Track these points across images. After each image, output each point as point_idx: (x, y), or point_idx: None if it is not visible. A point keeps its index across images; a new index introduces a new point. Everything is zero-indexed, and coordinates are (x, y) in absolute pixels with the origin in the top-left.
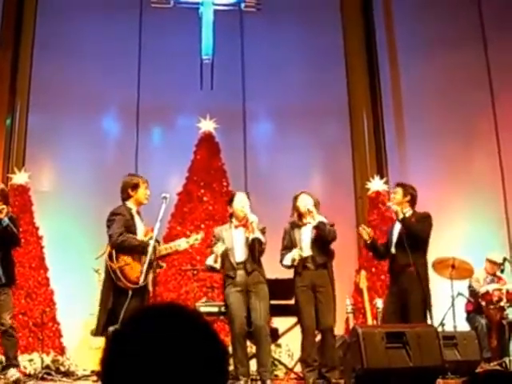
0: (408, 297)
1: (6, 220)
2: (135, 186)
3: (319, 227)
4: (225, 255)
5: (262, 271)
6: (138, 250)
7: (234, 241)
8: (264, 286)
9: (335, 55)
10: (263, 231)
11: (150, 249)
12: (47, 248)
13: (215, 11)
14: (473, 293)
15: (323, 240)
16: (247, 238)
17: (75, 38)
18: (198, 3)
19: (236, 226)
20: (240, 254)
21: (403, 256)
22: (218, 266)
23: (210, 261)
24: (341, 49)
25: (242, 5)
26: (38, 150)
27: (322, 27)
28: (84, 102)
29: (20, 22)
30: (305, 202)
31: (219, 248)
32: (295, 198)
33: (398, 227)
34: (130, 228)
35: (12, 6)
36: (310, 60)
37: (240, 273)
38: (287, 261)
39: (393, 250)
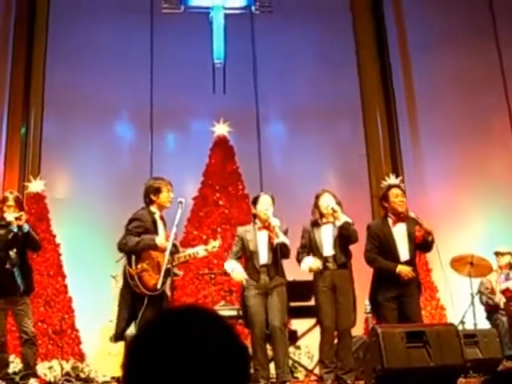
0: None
1: (27, 226)
2: (157, 191)
3: (345, 228)
4: (248, 258)
5: (283, 274)
6: (142, 248)
7: (258, 243)
8: (283, 287)
9: (347, 56)
10: (286, 232)
11: (166, 256)
12: (64, 255)
13: (226, 15)
14: (484, 298)
15: (347, 240)
16: (271, 243)
17: (87, 46)
18: (208, 8)
19: (259, 228)
20: (264, 257)
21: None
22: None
23: (228, 268)
24: (352, 49)
25: (253, 8)
26: (53, 158)
27: (332, 28)
28: (97, 108)
29: (32, 31)
30: (327, 202)
31: (236, 275)
32: (317, 197)
33: (403, 233)
34: (150, 233)
35: (24, 16)
36: (321, 61)
37: (263, 276)
38: (305, 266)
39: (407, 256)
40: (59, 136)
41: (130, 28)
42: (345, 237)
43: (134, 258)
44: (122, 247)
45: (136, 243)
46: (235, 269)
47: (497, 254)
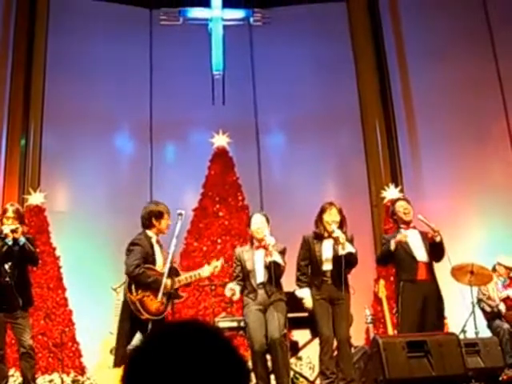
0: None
1: (23, 239)
2: (160, 216)
3: (346, 258)
4: (246, 277)
5: (281, 291)
6: (151, 287)
7: (254, 262)
8: (282, 302)
9: (345, 65)
10: (283, 252)
11: (163, 282)
12: (64, 268)
13: (224, 26)
14: (484, 307)
15: (347, 267)
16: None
17: (86, 59)
18: (207, 19)
19: (256, 248)
20: (260, 276)
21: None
22: (237, 296)
23: (228, 293)
24: (350, 59)
25: (251, 19)
26: (53, 170)
27: (330, 38)
28: (97, 121)
29: (32, 43)
30: (332, 219)
31: (230, 291)
32: (323, 210)
33: (417, 237)
34: (149, 259)
35: (23, 27)
36: (320, 71)
37: (260, 292)
38: (300, 293)
39: (425, 258)
40: (59, 148)
41: (130, 40)
42: (347, 263)
43: (134, 284)
44: (132, 275)
45: (150, 282)
46: (229, 287)
47: (499, 263)
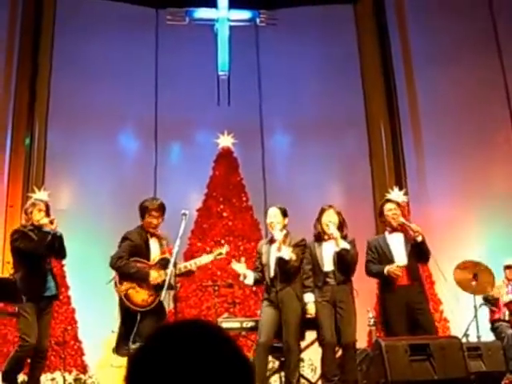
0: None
1: (59, 231)
2: (143, 212)
3: (341, 254)
4: (263, 271)
5: (295, 287)
6: (135, 277)
7: (269, 256)
8: (292, 302)
9: (351, 67)
10: (298, 244)
11: (169, 269)
12: (67, 266)
13: (230, 27)
14: (492, 301)
15: (345, 265)
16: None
17: (92, 58)
18: (213, 20)
19: (271, 241)
20: (272, 270)
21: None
22: (250, 281)
23: (241, 277)
24: (356, 61)
25: (257, 20)
26: (57, 169)
27: (336, 40)
28: (102, 120)
29: (38, 43)
30: (329, 220)
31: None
32: (321, 212)
33: (400, 240)
34: (140, 252)
35: (29, 26)
36: (325, 73)
37: (272, 289)
38: (308, 298)
39: (404, 261)
40: (63, 147)
41: (135, 39)
42: (342, 262)
43: (117, 277)
44: (114, 267)
45: (132, 273)
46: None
47: (506, 266)
